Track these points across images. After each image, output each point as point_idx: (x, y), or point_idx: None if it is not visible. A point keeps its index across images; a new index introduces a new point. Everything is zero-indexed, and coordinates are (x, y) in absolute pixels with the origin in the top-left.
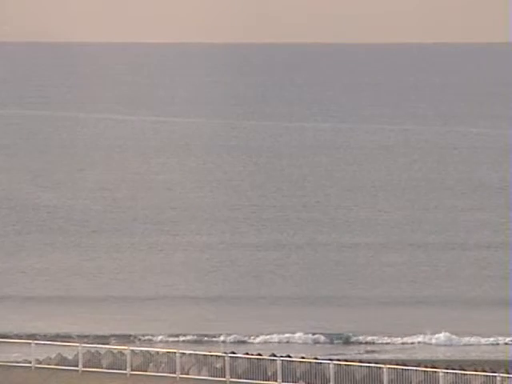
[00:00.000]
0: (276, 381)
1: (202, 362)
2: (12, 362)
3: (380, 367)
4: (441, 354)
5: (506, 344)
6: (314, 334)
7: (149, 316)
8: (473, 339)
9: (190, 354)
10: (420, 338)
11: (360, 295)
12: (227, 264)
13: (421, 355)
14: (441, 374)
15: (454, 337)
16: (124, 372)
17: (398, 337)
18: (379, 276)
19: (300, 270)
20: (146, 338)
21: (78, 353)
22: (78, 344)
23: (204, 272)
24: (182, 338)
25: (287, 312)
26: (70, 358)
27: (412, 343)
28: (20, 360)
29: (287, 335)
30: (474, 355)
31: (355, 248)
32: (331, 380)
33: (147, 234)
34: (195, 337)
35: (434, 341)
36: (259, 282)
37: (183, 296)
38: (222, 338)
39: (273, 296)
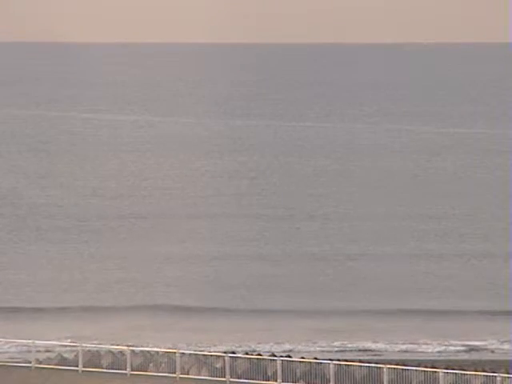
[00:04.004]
0: (276, 381)
1: (202, 361)
2: (12, 361)
3: (380, 367)
4: (441, 355)
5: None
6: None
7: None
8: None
9: (190, 354)
10: None
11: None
12: (225, 275)
13: (421, 355)
14: (441, 374)
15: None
16: (124, 372)
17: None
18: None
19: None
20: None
21: (78, 353)
22: (78, 344)
23: (200, 282)
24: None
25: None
26: (69, 358)
27: None
28: (20, 360)
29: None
30: (474, 355)
31: (354, 258)
32: (331, 380)
33: (145, 239)
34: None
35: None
36: (256, 293)
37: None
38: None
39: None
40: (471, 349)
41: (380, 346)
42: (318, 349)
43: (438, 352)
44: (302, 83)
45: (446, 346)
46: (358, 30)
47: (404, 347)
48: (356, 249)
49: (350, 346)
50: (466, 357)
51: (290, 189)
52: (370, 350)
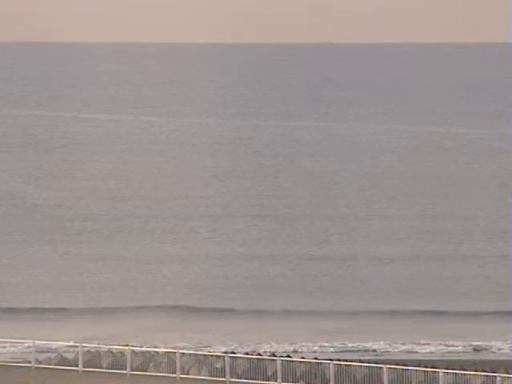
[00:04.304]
0: (276, 381)
1: (202, 361)
2: (12, 361)
3: (380, 367)
4: (441, 355)
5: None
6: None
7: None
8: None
9: (190, 354)
10: None
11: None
12: (225, 275)
13: (421, 355)
14: (441, 374)
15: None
16: (124, 372)
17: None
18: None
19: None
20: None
21: (78, 353)
22: (78, 344)
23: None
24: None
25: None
26: (70, 358)
27: None
28: (20, 360)
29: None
30: (474, 355)
31: (354, 258)
32: (331, 380)
33: (145, 239)
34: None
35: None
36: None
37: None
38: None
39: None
40: (472, 349)
41: (380, 345)
42: (318, 349)
43: (438, 352)
44: (302, 83)
45: (446, 346)
46: (358, 30)
47: (404, 347)
48: (356, 249)
49: (350, 345)
50: (466, 357)
51: (290, 189)
52: (370, 350)
